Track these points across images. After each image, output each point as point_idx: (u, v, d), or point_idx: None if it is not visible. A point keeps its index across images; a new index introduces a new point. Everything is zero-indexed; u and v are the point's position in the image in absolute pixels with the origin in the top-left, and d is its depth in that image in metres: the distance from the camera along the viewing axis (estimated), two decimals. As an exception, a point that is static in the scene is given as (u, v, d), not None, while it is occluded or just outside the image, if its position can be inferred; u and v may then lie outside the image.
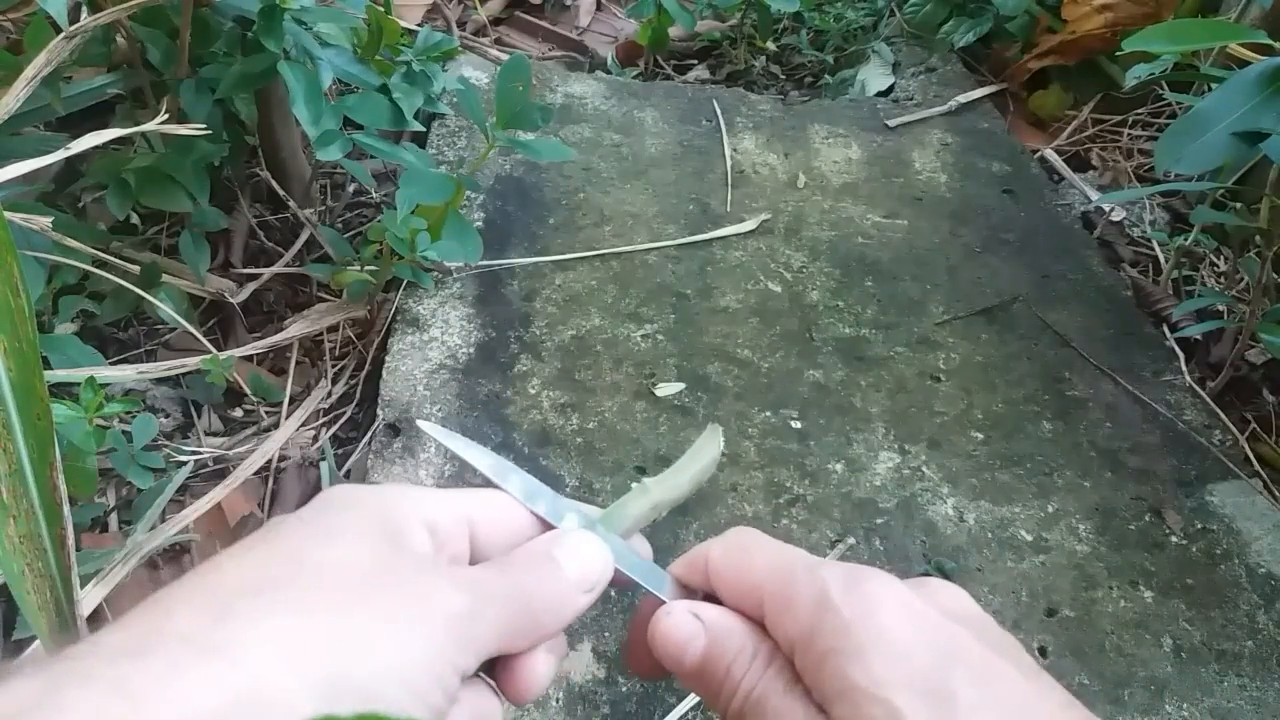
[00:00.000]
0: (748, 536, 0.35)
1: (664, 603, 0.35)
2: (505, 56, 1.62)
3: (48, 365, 0.88)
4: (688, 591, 0.36)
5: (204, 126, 0.94)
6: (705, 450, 0.40)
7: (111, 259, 1.00)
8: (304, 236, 1.21)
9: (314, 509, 0.31)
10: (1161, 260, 1.33)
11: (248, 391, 1.05)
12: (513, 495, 0.36)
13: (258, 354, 1.09)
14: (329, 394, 1.08)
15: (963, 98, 1.57)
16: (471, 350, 1.09)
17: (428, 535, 0.31)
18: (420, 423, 0.40)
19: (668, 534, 0.92)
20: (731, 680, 0.31)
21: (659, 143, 1.44)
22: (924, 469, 1.00)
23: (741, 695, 0.31)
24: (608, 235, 1.26)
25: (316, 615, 0.26)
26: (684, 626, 0.33)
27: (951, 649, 0.28)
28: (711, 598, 0.35)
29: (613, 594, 0.87)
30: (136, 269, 1.03)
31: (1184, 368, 1.14)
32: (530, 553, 0.33)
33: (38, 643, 0.74)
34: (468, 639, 0.28)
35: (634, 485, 0.39)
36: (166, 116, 0.95)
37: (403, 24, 1.09)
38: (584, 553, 0.33)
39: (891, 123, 1.52)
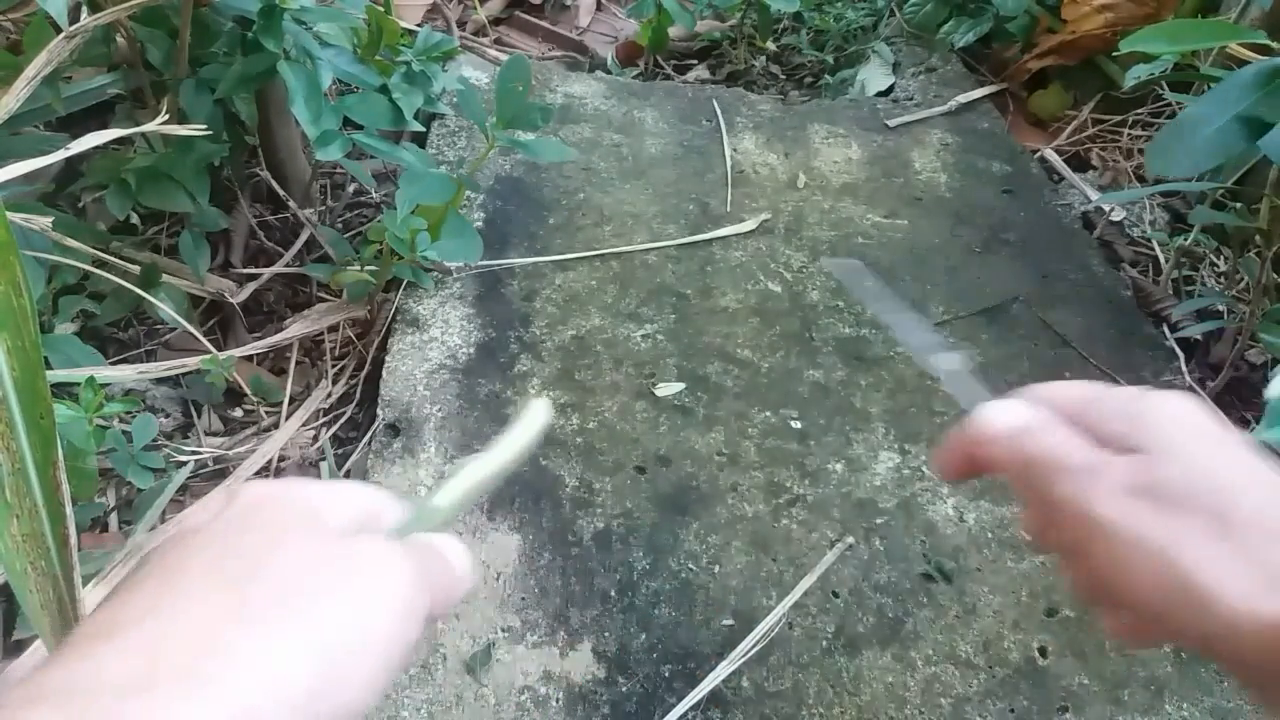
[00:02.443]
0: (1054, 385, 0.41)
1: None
2: (505, 56, 1.62)
3: (48, 365, 0.87)
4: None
5: (204, 126, 0.94)
6: (530, 424, 0.41)
7: (111, 259, 1.00)
8: (304, 236, 1.21)
9: (243, 514, 0.32)
10: (1161, 260, 1.33)
11: (248, 391, 1.05)
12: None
13: (258, 354, 1.09)
14: (329, 394, 1.08)
15: (963, 98, 1.57)
16: (471, 350, 1.09)
17: (339, 526, 0.33)
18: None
19: (667, 534, 0.92)
20: (1065, 453, 0.36)
21: (659, 143, 1.44)
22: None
23: (1079, 463, 0.36)
24: (608, 235, 1.26)
25: (290, 635, 0.28)
26: (1020, 409, 0.39)
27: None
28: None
29: (612, 594, 0.87)
30: (136, 269, 1.03)
31: (1184, 368, 1.14)
32: (431, 545, 0.36)
33: (38, 642, 0.74)
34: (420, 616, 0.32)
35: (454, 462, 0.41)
36: (166, 116, 0.95)
37: (403, 24, 1.09)
38: (460, 553, 0.36)
39: (891, 123, 1.52)
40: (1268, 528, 0.31)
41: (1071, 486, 0.35)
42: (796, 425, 1.04)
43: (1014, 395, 0.41)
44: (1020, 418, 0.39)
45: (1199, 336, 1.18)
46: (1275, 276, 1.07)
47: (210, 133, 0.96)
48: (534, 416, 0.41)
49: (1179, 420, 0.35)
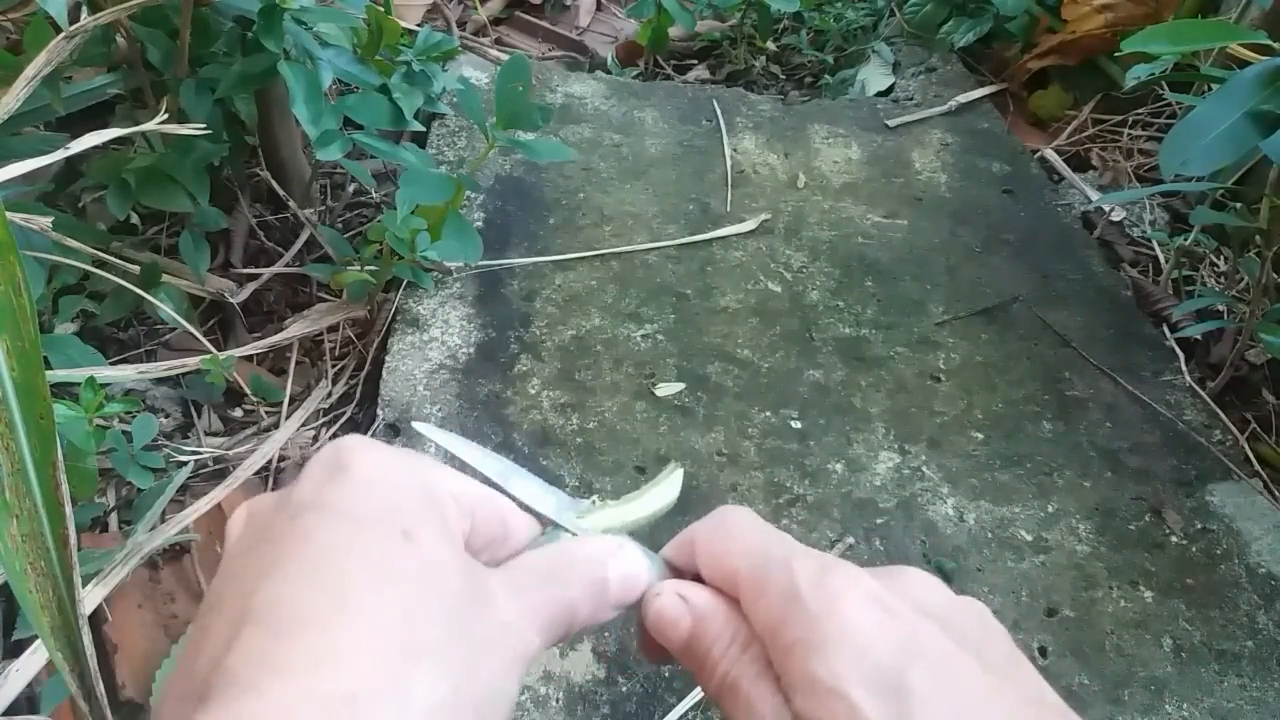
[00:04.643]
0: (732, 516, 0.35)
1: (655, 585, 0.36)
2: (505, 56, 1.62)
3: (48, 365, 0.87)
4: (678, 573, 0.37)
5: (204, 126, 0.94)
6: (670, 487, 0.41)
7: (111, 259, 1.00)
8: (304, 236, 1.21)
9: (342, 487, 0.29)
10: (1161, 260, 1.33)
11: (248, 391, 1.05)
12: (516, 499, 0.36)
13: (258, 354, 1.09)
14: (329, 394, 1.08)
15: (963, 98, 1.57)
16: (471, 350, 1.09)
17: (457, 513, 0.31)
18: (416, 424, 0.40)
19: (665, 533, 0.92)
20: (711, 661, 0.32)
21: (659, 143, 1.44)
22: (924, 469, 1.00)
23: (719, 677, 0.31)
24: (608, 235, 1.26)
25: (422, 657, 0.25)
26: (670, 608, 0.34)
27: (913, 644, 0.28)
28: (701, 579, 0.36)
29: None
30: (136, 269, 1.03)
31: (1184, 368, 1.14)
32: (586, 557, 0.33)
33: (38, 642, 0.74)
34: (528, 659, 0.30)
35: (594, 500, 0.39)
36: (166, 116, 0.95)
37: (403, 24, 1.09)
38: (631, 573, 0.34)
39: (891, 123, 1.52)
40: None
41: None
42: (796, 425, 1.03)
43: (684, 539, 0.36)
44: (673, 613, 0.34)
45: (1199, 336, 1.18)
46: (1275, 276, 1.07)
47: (210, 133, 0.96)
48: (673, 481, 0.40)
49: (850, 627, 0.29)
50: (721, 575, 0.34)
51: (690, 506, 0.94)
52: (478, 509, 0.32)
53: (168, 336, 1.13)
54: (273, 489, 0.99)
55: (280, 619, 0.25)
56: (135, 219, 1.15)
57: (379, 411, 1.02)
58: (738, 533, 0.34)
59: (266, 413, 1.07)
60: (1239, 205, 1.13)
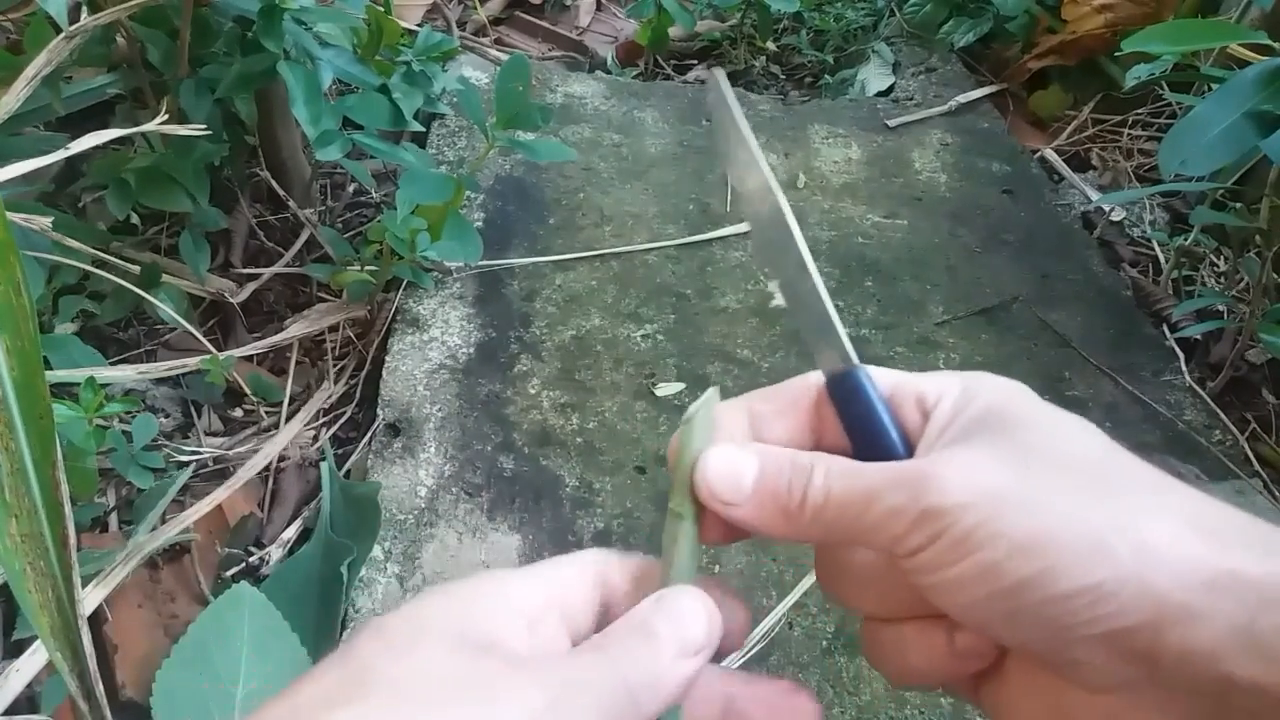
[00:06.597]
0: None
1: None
2: (505, 56, 1.62)
3: (48, 365, 0.88)
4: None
5: (204, 126, 0.94)
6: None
7: (111, 259, 1.00)
8: (304, 236, 1.21)
9: (396, 617, 0.29)
10: (1161, 260, 1.33)
11: (248, 391, 1.05)
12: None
13: (258, 354, 1.09)
14: (329, 394, 1.08)
15: (963, 98, 1.57)
16: (471, 350, 1.09)
17: (522, 625, 0.29)
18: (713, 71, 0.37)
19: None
20: (798, 471, 0.31)
21: (659, 143, 1.44)
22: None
23: (820, 471, 0.30)
24: (608, 235, 1.26)
25: None
26: (731, 454, 0.32)
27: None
28: None
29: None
30: (136, 269, 1.03)
31: (1184, 368, 1.14)
32: (627, 624, 0.30)
33: (38, 642, 0.74)
34: None
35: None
36: (166, 116, 0.95)
37: (403, 24, 1.09)
38: (682, 615, 0.30)
39: (891, 123, 1.52)
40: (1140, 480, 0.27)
41: (898, 519, 0.28)
42: (796, 425, 1.03)
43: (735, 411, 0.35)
44: (749, 461, 0.32)
45: (1199, 336, 1.18)
46: (1275, 276, 1.07)
47: (210, 133, 0.95)
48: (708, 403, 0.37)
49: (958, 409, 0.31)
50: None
51: (690, 506, 0.94)
52: (576, 588, 0.31)
53: (168, 336, 1.13)
54: (272, 489, 0.99)
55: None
56: (135, 219, 1.15)
57: (379, 411, 1.02)
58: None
59: (267, 413, 1.07)
60: (1239, 205, 1.13)
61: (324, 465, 0.97)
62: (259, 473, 0.97)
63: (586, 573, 0.32)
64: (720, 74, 0.36)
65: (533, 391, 1.05)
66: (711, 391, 0.36)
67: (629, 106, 1.52)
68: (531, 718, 0.26)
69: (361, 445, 1.02)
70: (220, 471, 0.99)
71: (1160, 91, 1.51)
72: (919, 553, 0.28)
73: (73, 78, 1.05)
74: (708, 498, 0.32)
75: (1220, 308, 1.15)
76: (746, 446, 0.33)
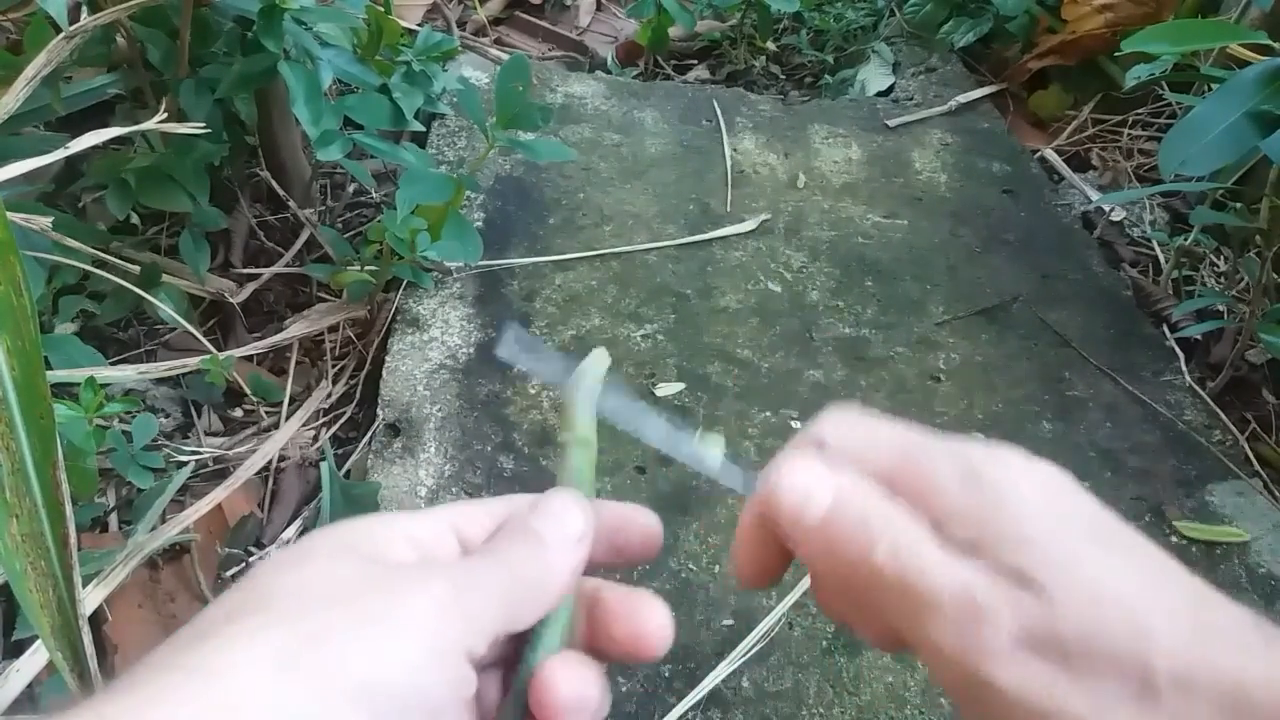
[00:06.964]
0: (856, 414, 0.34)
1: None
2: (505, 56, 1.62)
3: (48, 365, 0.87)
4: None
5: (204, 126, 0.94)
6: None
7: (111, 259, 1.00)
8: (304, 236, 1.21)
9: (285, 549, 0.31)
10: (1161, 260, 1.33)
11: (248, 391, 1.05)
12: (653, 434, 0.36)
13: (258, 354, 1.09)
14: (329, 394, 1.08)
15: (963, 98, 1.57)
16: (471, 350, 1.09)
17: (408, 546, 0.31)
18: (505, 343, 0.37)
19: (668, 534, 0.92)
20: (871, 531, 0.30)
21: (659, 143, 1.44)
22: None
23: (888, 544, 0.29)
24: (608, 235, 1.26)
25: (296, 625, 0.26)
26: (807, 471, 0.31)
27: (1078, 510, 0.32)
28: None
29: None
30: (136, 269, 1.03)
31: (1184, 368, 1.14)
32: (509, 529, 0.32)
33: (38, 642, 0.74)
34: (463, 618, 0.28)
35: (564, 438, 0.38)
36: (166, 116, 0.95)
37: (403, 24, 1.09)
38: (557, 511, 0.33)
39: (891, 123, 1.52)
40: (1189, 680, 0.26)
41: (948, 635, 0.28)
42: (796, 425, 1.03)
43: (805, 441, 0.33)
44: (826, 489, 0.31)
45: (1199, 336, 1.18)
46: (1275, 276, 1.07)
47: (210, 133, 0.96)
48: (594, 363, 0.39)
49: (1044, 509, 0.30)
50: (868, 460, 0.32)
51: (690, 506, 0.94)
52: (464, 526, 0.32)
53: (168, 336, 1.13)
54: (272, 489, 1.00)
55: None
56: (135, 219, 1.15)
57: (379, 411, 1.02)
58: (873, 423, 0.34)
59: (266, 413, 1.07)
60: (1239, 205, 1.13)
61: (324, 465, 0.97)
62: (259, 473, 0.97)
63: (490, 507, 0.34)
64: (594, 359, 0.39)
65: (532, 391, 1.05)
66: (600, 351, 0.39)
67: (629, 106, 1.52)
68: (438, 607, 0.27)
69: (361, 445, 1.02)
70: (220, 471, 0.99)
71: (1160, 91, 1.51)
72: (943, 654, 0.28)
73: (73, 78, 1.05)
74: (776, 505, 0.32)
75: (1220, 308, 1.15)
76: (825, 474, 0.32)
